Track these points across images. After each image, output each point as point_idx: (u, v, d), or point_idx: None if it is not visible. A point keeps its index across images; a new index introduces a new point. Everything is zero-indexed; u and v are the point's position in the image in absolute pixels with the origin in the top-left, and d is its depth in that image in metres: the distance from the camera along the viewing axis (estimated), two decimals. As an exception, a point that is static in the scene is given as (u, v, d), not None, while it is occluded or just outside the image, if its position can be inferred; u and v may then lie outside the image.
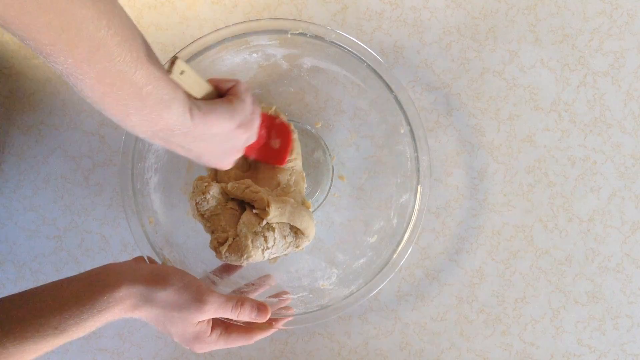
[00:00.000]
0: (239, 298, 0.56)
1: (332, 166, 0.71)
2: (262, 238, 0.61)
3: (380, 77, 0.62)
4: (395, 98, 0.62)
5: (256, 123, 0.54)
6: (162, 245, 0.62)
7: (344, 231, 0.70)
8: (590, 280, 0.71)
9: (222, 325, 0.58)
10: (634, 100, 0.70)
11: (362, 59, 0.62)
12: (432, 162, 0.70)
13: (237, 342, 0.59)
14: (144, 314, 0.52)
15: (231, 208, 0.63)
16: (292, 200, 0.63)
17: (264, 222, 0.61)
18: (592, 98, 0.70)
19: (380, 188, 0.70)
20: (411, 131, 0.63)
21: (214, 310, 0.54)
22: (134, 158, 0.61)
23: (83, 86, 0.38)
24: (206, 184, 0.62)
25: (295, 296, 0.65)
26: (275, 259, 0.67)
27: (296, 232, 0.64)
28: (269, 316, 0.57)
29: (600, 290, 0.71)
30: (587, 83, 0.70)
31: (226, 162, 0.55)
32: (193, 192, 0.62)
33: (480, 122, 0.71)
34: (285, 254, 0.66)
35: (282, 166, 0.65)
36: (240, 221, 0.62)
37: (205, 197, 0.61)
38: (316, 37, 0.61)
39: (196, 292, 0.53)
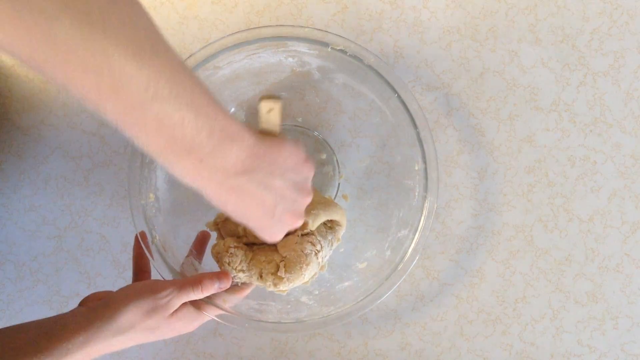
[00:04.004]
0: (194, 277, 0.56)
1: (339, 184, 0.70)
2: (309, 244, 0.61)
3: (407, 110, 0.62)
4: (418, 135, 0.62)
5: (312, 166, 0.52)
6: (156, 222, 0.62)
7: (336, 250, 0.70)
8: (590, 280, 0.71)
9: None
10: (634, 100, 0.70)
11: (394, 90, 0.61)
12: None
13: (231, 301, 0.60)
14: (121, 345, 0.52)
15: (258, 249, 0.62)
16: (315, 198, 0.63)
17: (307, 230, 0.60)
18: (592, 98, 0.70)
19: (382, 216, 0.69)
20: (425, 170, 0.62)
21: (177, 295, 0.54)
22: None
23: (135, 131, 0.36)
24: (229, 250, 0.61)
25: (273, 303, 0.65)
26: (324, 265, 0.66)
27: (331, 226, 0.64)
28: (230, 280, 0.58)
29: (600, 290, 0.71)
30: (587, 83, 0.70)
31: (300, 211, 0.51)
32: (221, 259, 0.61)
33: (480, 122, 0.71)
34: (331, 251, 0.65)
35: None
36: (279, 246, 0.61)
37: (233, 260, 0.61)
38: (355, 57, 0.61)
39: (151, 292, 0.53)
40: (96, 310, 0.52)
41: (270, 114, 0.47)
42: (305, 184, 0.51)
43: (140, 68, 0.33)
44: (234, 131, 0.40)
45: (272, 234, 0.51)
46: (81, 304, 0.56)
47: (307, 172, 0.50)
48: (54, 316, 0.52)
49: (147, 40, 0.34)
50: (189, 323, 0.57)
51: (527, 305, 0.71)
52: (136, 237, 0.61)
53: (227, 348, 0.72)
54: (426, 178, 0.62)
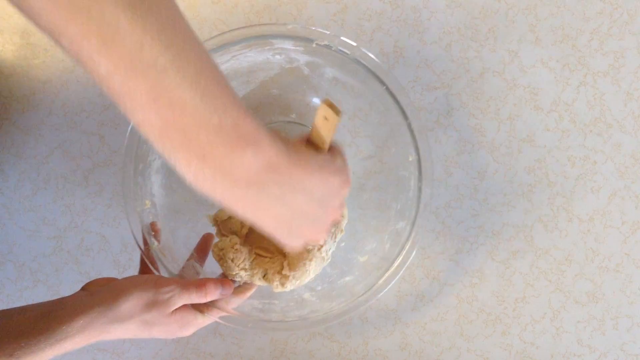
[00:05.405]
0: (198, 281, 0.56)
1: None
2: None
3: (398, 103, 0.61)
4: (409, 126, 0.61)
5: (349, 184, 0.45)
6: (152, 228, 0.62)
7: (337, 244, 0.69)
8: (590, 280, 0.71)
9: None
10: (634, 100, 0.70)
11: (383, 82, 0.60)
12: (434, 165, 0.70)
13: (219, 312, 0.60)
14: (117, 334, 0.52)
15: (259, 247, 0.62)
16: None
17: None
18: (592, 98, 0.70)
19: (380, 209, 0.69)
20: (419, 161, 0.61)
21: (179, 294, 0.54)
22: (140, 140, 0.60)
23: (136, 106, 0.29)
24: (235, 246, 0.60)
25: (277, 301, 0.65)
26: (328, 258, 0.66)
27: None
28: (233, 287, 0.58)
29: (600, 290, 0.71)
30: (587, 83, 0.70)
31: (323, 226, 0.43)
32: (224, 256, 0.61)
33: (480, 122, 0.71)
34: (335, 244, 0.65)
35: None
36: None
37: (238, 257, 0.60)
38: (341, 51, 0.60)
39: (155, 285, 0.53)
40: (98, 295, 0.52)
41: (325, 123, 0.40)
42: (336, 201, 0.42)
43: (132, 20, 0.26)
44: (249, 131, 0.32)
45: (287, 245, 0.44)
46: (83, 288, 0.56)
47: (343, 192, 0.43)
48: (54, 299, 0.52)
49: None
50: (185, 326, 0.57)
51: (527, 305, 0.71)
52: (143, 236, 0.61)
53: (227, 348, 0.72)
54: (419, 170, 0.61)
